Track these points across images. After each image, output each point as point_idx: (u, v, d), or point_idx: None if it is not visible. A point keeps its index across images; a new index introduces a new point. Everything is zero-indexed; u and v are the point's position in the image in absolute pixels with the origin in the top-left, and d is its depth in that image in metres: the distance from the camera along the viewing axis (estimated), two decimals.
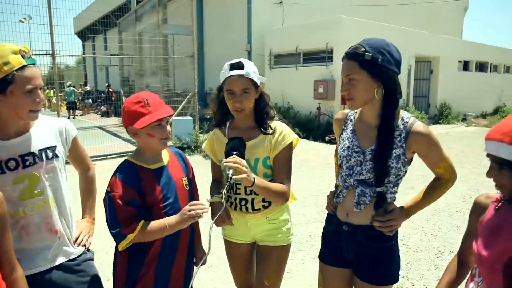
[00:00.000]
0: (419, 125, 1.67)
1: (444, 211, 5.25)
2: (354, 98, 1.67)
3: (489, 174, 1.29)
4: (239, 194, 2.02)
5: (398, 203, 1.80)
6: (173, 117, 9.99)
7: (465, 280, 1.50)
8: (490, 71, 20.02)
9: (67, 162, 1.93)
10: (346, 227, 1.79)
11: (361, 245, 1.76)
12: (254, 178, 1.78)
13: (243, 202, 2.01)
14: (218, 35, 16.90)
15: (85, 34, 21.19)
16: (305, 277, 3.48)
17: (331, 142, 10.41)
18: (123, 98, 14.41)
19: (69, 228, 1.87)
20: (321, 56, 12.66)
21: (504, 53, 20.74)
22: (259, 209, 2.01)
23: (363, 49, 1.62)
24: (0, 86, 1.53)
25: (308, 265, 3.65)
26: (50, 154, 1.77)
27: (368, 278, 1.77)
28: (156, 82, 13.17)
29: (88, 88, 22.99)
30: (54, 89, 8.71)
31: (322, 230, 2.02)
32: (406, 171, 1.74)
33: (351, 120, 1.86)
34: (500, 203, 1.33)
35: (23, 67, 1.56)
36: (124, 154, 8.58)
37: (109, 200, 1.69)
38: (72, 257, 1.84)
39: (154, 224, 1.68)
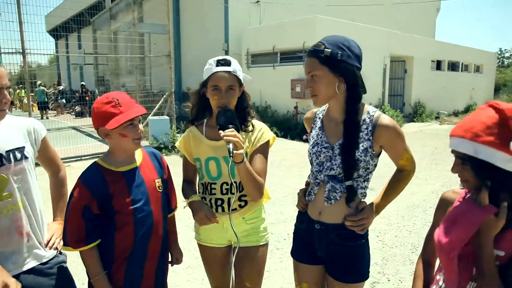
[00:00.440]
0: (384, 118, 1.71)
1: (418, 207, 5.38)
2: (317, 94, 1.71)
3: (453, 169, 1.32)
4: (214, 194, 1.97)
5: None
6: (150, 117, 9.87)
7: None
8: (461, 71, 20.62)
9: (37, 164, 1.87)
10: (318, 225, 1.79)
11: (333, 244, 1.77)
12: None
13: (219, 202, 1.97)
14: (195, 34, 16.78)
15: (58, 32, 20.70)
16: (283, 276, 3.49)
17: (307, 141, 10.48)
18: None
19: (40, 231, 1.82)
20: (298, 56, 12.74)
21: (474, 53, 21.41)
22: (235, 209, 1.96)
23: (322, 45, 1.66)
24: None
25: (286, 264, 3.66)
26: (18, 155, 1.71)
27: (339, 276, 1.79)
28: (132, 81, 12.96)
29: (61, 87, 22.40)
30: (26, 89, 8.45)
31: None
32: (375, 165, 1.77)
33: (319, 117, 1.89)
34: (467, 196, 1.37)
35: None
36: (99, 155, 8.38)
37: (68, 203, 1.70)
38: (44, 260, 1.79)
39: (92, 261, 1.70)
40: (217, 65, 1.87)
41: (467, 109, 19.86)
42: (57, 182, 2.03)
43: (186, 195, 2.01)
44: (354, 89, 1.69)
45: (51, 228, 1.92)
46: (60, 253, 1.89)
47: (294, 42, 12.55)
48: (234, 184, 1.90)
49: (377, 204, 1.81)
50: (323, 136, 1.79)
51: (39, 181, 1.89)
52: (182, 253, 2.08)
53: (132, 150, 1.78)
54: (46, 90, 18.91)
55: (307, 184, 1.94)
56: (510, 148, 1.16)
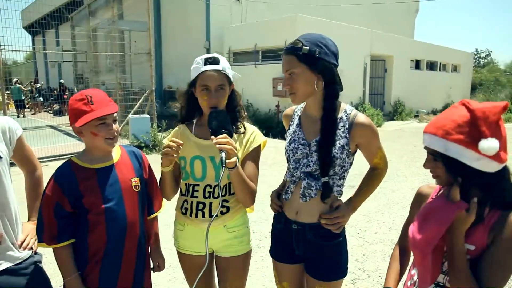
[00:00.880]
0: (361, 117, 1.73)
1: (398, 204, 5.47)
2: (296, 92, 1.71)
3: (425, 165, 1.36)
4: (196, 197, 1.87)
5: None
6: (130, 116, 9.74)
7: (409, 266, 1.58)
8: (440, 70, 21.05)
9: (12, 164, 1.82)
10: (295, 226, 1.79)
11: (310, 243, 1.78)
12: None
13: (200, 207, 1.86)
14: (177, 32, 16.64)
15: (35, 28, 20.16)
16: (265, 274, 3.49)
17: None
18: None
19: (15, 232, 1.77)
20: (280, 54, 12.73)
21: (452, 53, 21.88)
22: (216, 215, 1.81)
23: (300, 43, 1.66)
24: None
25: (268, 262, 3.66)
26: None
27: (318, 274, 1.80)
28: (112, 79, 12.75)
29: (38, 85, 21.87)
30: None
31: None
32: (351, 163, 1.79)
33: (297, 114, 1.89)
34: (440, 192, 1.41)
35: None
36: None
37: (41, 200, 1.70)
38: (18, 261, 1.74)
39: (65, 261, 1.68)
40: (205, 64, 1.79)
41: (445, 108, 19.74)
42: (33, 182, 1.98)
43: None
44: (332, 86, 1.70)
45: (25, 228, 1.87)
46: (36, 253, 1.84)
47: (276, 40, 12.57)
48: (218, 187, 1.79)
49: (353, 202, 1.82)
50: (300, 133, 1.79)
51: (15, 181, 1.84)
52: (164, 258, 2.03)
53: (105, 149, 1.74)
54: (23, 88, 18.41)
55: (284, 182, 1.94)
56: (478, 147, 1.19)
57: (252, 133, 1.92)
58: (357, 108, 14.62)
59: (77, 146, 8.93)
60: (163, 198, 1.98)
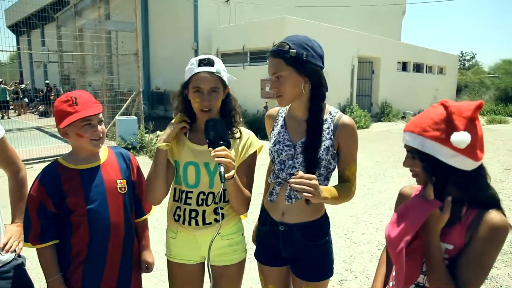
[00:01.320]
0: (346, 118, 1.74)
1: (385, 205, 5.51)
2: (283, 95, 1.70)
3: (405, 163, 1.37)
4: (189, 204, 1.80)
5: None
6: (117, 117, 9.64)
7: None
8: (426, 72, 21.35)
9: None
10: (282, 227, 1.78)
11: (298, 244, 1.78)
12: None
13: (193, 214, 1.80)
14: (164, 32, 16.54)
15: (19, 28, 19.85)
16: (253, 276, 3.48)
17: None
18: None
19: None
20: (268, 55, 12.79)
21: (438, 55, 22.20)
22: (210, 223, 1.79)
23: (287, 46, 1.65)
24: None
25: (255, 263, 3.65)
26: None
27: (306, 275, 1.80)
28: (99, 80, 12.61)
29: (22, 86, 21.50)
30: None
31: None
32: (335, 166, 1.79)
33: (281, 116, 1.88)
34: (417, 193, 1.43)
35: None
36: None
37: (27, 200, 1.70)
38: (0, 265, 1.71)
39: (48, 262, 1.69)
40: (199, 65, 1.73)
41: None
42: (17, 183, 1.96)
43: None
44: (318, 88, 1.70)
45: (8, 231, 1.83)
46: (19, 256, 1.82)
47: (264, 42, 12.58)
48: (212, 194, 1.77)
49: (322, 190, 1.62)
50: (285, 134, 1.79)
51: None
52: (154, 261, 2.01)
53: (90, 151, 1.75)
54: (8, 88, 18.09)
55: (267, 185, 1.93)
56: (451, 142, 1.21)
57: (248, 139, 1.86)
58: (344, 110, 14.74)
59: (63, 148, 8.81)
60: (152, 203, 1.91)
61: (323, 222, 1.82)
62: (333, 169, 1.79)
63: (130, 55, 10.53)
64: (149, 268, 1.98)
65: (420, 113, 1.36)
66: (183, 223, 1.82)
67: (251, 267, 3.61)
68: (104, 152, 1.83)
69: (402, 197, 1.55)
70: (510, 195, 5.79)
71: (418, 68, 20.65)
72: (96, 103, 1.73)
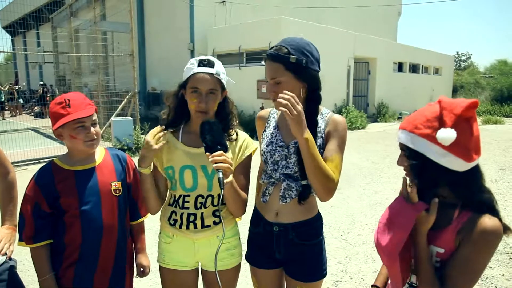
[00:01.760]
0: (337, 115, 1.75)
1: (381, 205, 5.51)
2: None
3: (398, 161, 1.35)
4: (187, 208, 1.76)
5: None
6: (112, 118, 9.61)
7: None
8: (422, 73, 21.42)
9: None
10: (277, 228, 1.77)
11: (292, 244, 1.77)
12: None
13: (191, 218, 1.76)
14: (160, 33, 16.51)
15: (15, 28, 19.75)
16: (247, 276, 3.47)
17: None
18: None
19: None
20: (264, 56, 12.76)
21: (434, 56, 22.28)
22: (209, 226, 1.76)
23: (285, 50, 1.64)
24: None
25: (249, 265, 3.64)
26: None
27: (300, 276, 1.80)
28: (95, 81, 12.57)
29: (17, 87, 21.40)
30: None
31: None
32: None
33: (273, 117, 1.88)
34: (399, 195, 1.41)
35: None
36: None
37: (22, 200, 1.71)
38: None
39: (41, 261, 1.70)
40: (198, 66, 1.70)
41: None
42: (6, 185, 1.94)
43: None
44: (315, 92, 1.71)
45: None
46: (10, 258, 1.80)
47: (260, 42, 12.58)
48: (211, 197, 1.74)
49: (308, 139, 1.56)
50: (278, 135, 1.79)
51: None
52: (149, 264, 2.00)
53: (85, 152, 1.75)
54: (2, 89, 18.00)
55: (259, 186, 1.93)
56: (437, 138, 1.18)
57: (244, 141, 1.84)
58: (340, 110, 14.74)
59: (58, 149, 8.78)
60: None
61: (317, 221, 1.82)
62: None
63: (126, 55, 10.49)
64: (144, 271, 1.97)
65: (416, 111, 1.33)
66: (180, 227, 1.78)
67: (246, 269, 3.59)
68: (100, 154, 1.83)
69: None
70: (505, 195, 5.81)
71: (414, 68, 20.71)
72: (89, 105, 1.73)
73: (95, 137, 1.73)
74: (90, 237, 1.71)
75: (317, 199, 1.83)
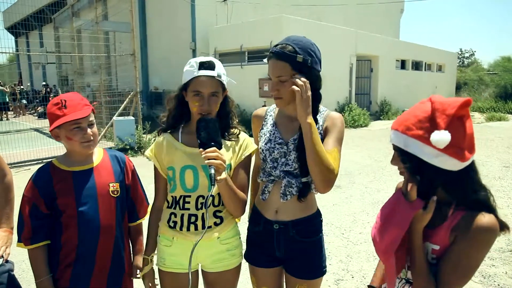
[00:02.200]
0: (333, 112, 1.75)
1: (383, 203, 5.48)
2: (283, 97, 1.69)
3: (392, 161, 1.35)
4: (188, 209, 1.74)
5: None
6: (114, 118, 9.62)
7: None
8: (425, 70, 21.31)
9: None
10: (277, 225, 1.77)
11: (293, 241, 1.77)
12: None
13: (192, 219, 1.73)
14: (162, 32, 16.52)
15: (18, 29, 19.85)
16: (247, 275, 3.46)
17: None
18: None
19: None
20: (266, 55, 12.63)
21: (437, 53, 22.16)
22: (210, 227, 1.74)
23: (292, 48, 1.63)
24: None
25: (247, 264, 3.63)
26: None
27: (301, 273, 1.80)
28: (97, 81, 12.60)
29: (20, 87, 21.49)
30: None
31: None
32: None
33: (271, 115, 1.87)
34: (396, 191, 1.41)
35: None
36: None
37: (21, 201, 1.71)
38: None
39: (38, 262, 1.69)
40: (199, 68, 1.67)
41: None
42: (3, 188, 1.94)
43: (147, 247, 1.89)
44: (316, 91, 1.71)
45: None
46: (7, 261, 1.80)
47: (262, 41, 12.57)
48: (211, 197, 1.73)
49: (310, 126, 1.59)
50: (276, 133, 1.78)
51: None
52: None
53: (82, 153, 1.74)
54: (6, 90, 18.08)
55: (255, 185, 1.92)
56: (431, 141, 1.16)
57: (244, 140, 1.83)
58: (343, 108, 14.66)
59: (61, 149, 8.73)
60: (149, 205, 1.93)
61: (317, 218, 1.83)
62: None
63: (127, 55, 10.50)
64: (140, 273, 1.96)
65: (407, 110, 1.32)
66: (181, 229, 1.75)
67: (244, 268, 3.59)
68: (98, 155, 1.83)
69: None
70: (508, 193, 5.77)
71: (417, 66, 20.62)
72: (86, 105, 1.71)
73: (92, 138, 1.71)
74: (87, 238, 1.70)
75: (316, 197, 1.83)
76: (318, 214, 1.84)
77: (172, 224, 1.78)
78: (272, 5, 15.37)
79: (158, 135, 1.86)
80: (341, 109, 14.50)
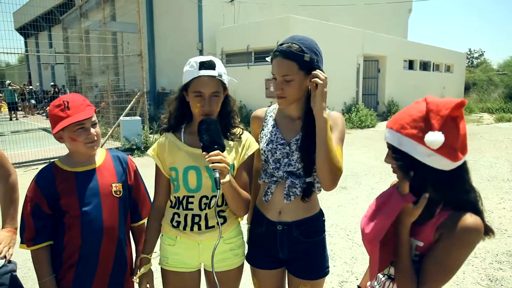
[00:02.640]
0: (334, 112, 1.75)
1: None
2: (287, 96, 1.68)
3: (386, 159, 1.37)
4: (191, 209, 1.74)
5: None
6: (121, 118, 9.68)
7: None
8: (433, 70, 21.14)
9: None
10: (281, 226, 1.77)
11: (296, 242, 1.77)
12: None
13: (196, 219, 1.73)
14: (169, 33, 16.58)
15: (27, 30, 20.06)
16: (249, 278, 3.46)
17: None
18: None
19: None
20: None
21: (445, 53, 21.98)
22: (213, 226, 1.74)
23: (298, 47, 1.62)
24: None
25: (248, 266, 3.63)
26: None
27: (304, 274, 1.79)
28: (105, 81, 12.69)
29: (30, 87, 21.71)
30: None
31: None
32: None
33: (271, 115, 1.86)
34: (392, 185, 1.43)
35: None
36: None
37: (24, 202, 1.70)
38: None
39: (41, 263, 1.70)
40: (200, 68, 1.64)
41: None
42: (7, 188, 1.94)
43: (145, 245, 1.87)
44: None
45: None
46: (9, 261, 1.80)
47: (268, 41, 12.55)
48: (215, 198, 1.71)
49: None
50: (278, 133, 1.77)
51: None
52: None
53: (86, 154, 1.75)
54: (16, 88, 18.27)
55: (255, 187, 1.91)
56: (425, 141, 1.18)
57: (246, 140, 1.81)
58: (350, 109, 14.56)
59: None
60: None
61: (319, 218, 1.83)
62: None
63: (135, 56, 10.56)
64: None
65: (402, 109, 1.34)
66: (184, 229, 1.75)
67: (246, 269, 3.58)
68: (101, 155, 1.83)
69: None
70: None
71: (425, 66, 20.47)
72: (88, 106, 1.72)
73: (96, 138, 1.72)
74: (90, 238, 1.71)
75: (322, 198, 1.81)
76: (320, 214, 1.84)
77: (175, 224, 1.77)
78: (279, 5, 15.36)
79: (160, 135, 1.85)
80: (348, 110, 14.44)
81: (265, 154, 1.78)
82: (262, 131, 1.86)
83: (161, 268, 1.85)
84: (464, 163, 1.26)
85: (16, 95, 17.66)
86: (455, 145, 1.19)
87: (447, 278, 1.23)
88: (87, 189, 1.71)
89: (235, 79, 1.83)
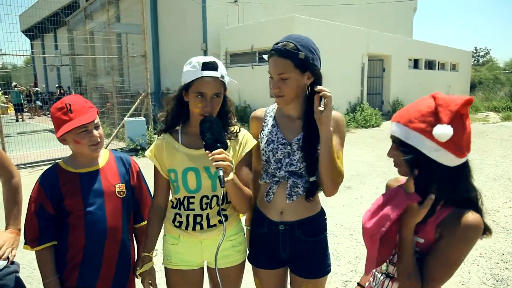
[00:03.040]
0: (335, 112, 1.74)
1: None
2: (284, 95, 1.68)
3: (389, 153, 1.37)
4: (193, 210, 1.75)
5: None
6: (126, 119, 9.72)
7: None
8: (438, 69, 21.03)
9: None
10: (283, 226, 1.76)
11: (299, 241, 1.77)
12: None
13: (198, 219, 1.75)
14: (174, 34, 16.63)
15: (33, 32, 20.20)
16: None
17: None
18: None
19: None
20: None
21: (450, 52, 21.84)
22: (215, 225, 1.75)
23: (293, 46, 1.63)
24: None
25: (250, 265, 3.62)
26: None
27: (307, 273, 1.79)
28: (109, 82, 12.75)
29: (35, 89, 21.87)
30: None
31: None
32: None
33: (270, 116, 1.86)
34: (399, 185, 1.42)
35: None
36: None
37: (28, 203, 1.72)
38: None
39: (45, 263, 1.71)
40: (203, 69, 1.63)
41: None
42: (10, 190, 1.95)
43: (146, 243, 1.85)
44: None
45: (2, 237, 1.83)
46: (12, 263, 1.81)
47: (273, 41, 12.15)
48: (216, 197, 1.73)
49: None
50: (278, 133, 1.77)
51: None
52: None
53: (90, 156, 1.77)
54: (22, 89, 18.41)
55: (255, 187, 1.91)
56: (433, 135, 1.19)
57: (243, 137, 1.82)
58: (355, 108, 14.48)
59: None
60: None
61: (321, 217, 1.83)
62: None
63: (139, 56, 10.60)
64: None
65: (409, 104, 1.34)
66: (186, 228, 1.76)
67: (247, 269, 3.58)
68: (104, 156, 1.85)
69: (387, 189, 1.55)
70: None
71: (430, 65, 20.35)
72: (91, 108, 1.73)
73: (99, 140, 1.73)
74: (94, 239, 1.72)
75: (326, 198, 1.81)
76: (322, 213, 1.84)
77: (177, 224, 1.79)
78: (283, 5, 15.35)
79: (158, 136, 1.85)
80: (352, 109, 14.39)
81: (266, 154, 1.78)
82: (262, 131, 1.85)
83: (165, 267, 1.86)
84: (467, 162, 1.27)
85: (22, 96, 17.79)
86: (461, 141, 1.20)
87: (449, 274, 1.26)
88: (91, 190, 1.72)
89: (239, 79, 1.83)
